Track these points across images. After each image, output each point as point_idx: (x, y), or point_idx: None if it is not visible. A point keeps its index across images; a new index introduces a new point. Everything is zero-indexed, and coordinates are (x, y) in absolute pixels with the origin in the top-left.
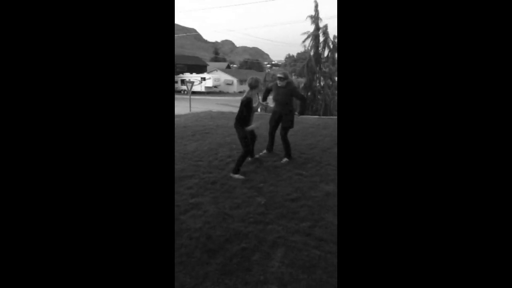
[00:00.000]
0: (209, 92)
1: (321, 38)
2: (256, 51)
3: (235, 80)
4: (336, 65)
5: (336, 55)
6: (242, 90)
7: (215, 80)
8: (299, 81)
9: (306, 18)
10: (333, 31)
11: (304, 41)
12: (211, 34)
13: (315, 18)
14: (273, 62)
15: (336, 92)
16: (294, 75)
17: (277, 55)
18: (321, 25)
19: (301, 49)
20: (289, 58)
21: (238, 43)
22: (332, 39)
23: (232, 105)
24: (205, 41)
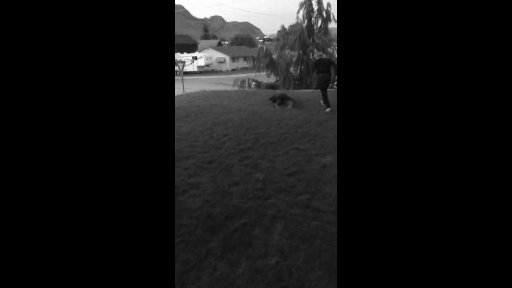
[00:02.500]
0: (201, 71)
1: (315, 8)
2: (247, 26)
3: (227, 58)
4: (328, 35)
5: (329, 25)
6: (235, 67)
7: (207, 58)
8: (292, 55)
9: None
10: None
11: (298, 12)
12: (200, 10)
13: None
14: (265, 37)
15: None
16: (287, 48)
17: (269, 29)
18: None
19: (293, 21)
20: (282, 31)
21: (228, 18)
22: (325, 7)
23: (225, 84)
24: (194, 18)
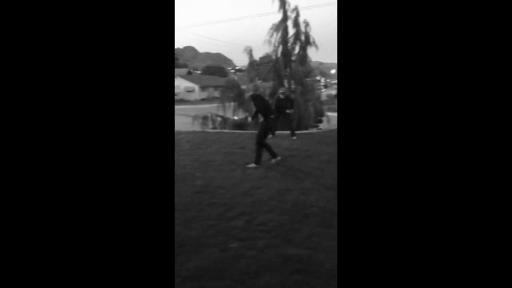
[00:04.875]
0: None
1: (291, 31)
2: (219, 56)
3: (196, 87)
4: (307, 65)
5: (308, 51)
6: (204, 97)
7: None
8: (264, 86)
9: (279, 8)
10: (305, 17)
11: (271, 36)
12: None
13: (282, 2)
14: (237, 68)
15: (311, 102)
16: (258, 79)
17: (242, 60)
18: (290, 12)
19: (263, 51)
20: (252, 63)
21: (201, 49)
22: (303, 29)
23: (190, 115)
24: None
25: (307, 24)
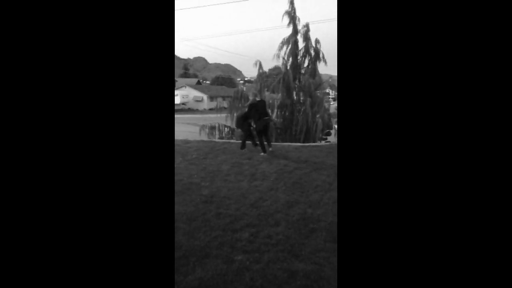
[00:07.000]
0: (177, 109)
1: (301, 44)
2: (229, 67)
3: (205, 97)
4: (316, 78)
5: (318, 65)
6: (212, 107)
7: (183, 96)
8: (273, 97)
9: (289, 23)
10: (315, 34)
11: (280, 49)
12: (183, 50)
13: (292, 18)
14: (246, 79)
15: (319, 115)
16: (267, 90)
17: (252, 71)
18: (300, 27)
19: (273, 64)
20: (261, 74)
21: (211, 59)
22: (314, 44)
23: (198, 124)
24: (177, 58)
25: (317, 41)
